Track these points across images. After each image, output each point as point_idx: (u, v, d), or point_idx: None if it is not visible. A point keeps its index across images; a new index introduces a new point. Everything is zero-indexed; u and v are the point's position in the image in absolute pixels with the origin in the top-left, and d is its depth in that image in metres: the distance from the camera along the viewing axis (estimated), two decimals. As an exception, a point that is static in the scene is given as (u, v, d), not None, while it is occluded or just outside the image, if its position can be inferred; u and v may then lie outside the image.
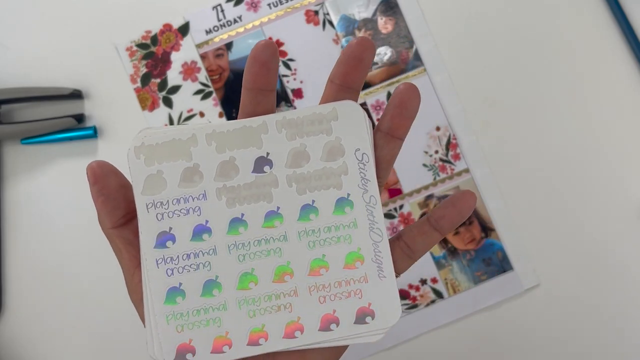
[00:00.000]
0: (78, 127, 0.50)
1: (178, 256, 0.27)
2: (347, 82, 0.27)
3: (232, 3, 0.51)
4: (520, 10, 0.51)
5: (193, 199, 0.27)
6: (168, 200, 0.27)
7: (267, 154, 0.27)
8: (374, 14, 0.51)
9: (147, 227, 0.27)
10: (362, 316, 0.27)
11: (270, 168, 0.27)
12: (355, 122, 0.26)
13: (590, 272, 0.50)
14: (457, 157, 0.50)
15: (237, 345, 0.27)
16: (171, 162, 0.27)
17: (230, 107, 0.51)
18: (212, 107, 0.50)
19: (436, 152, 0.50)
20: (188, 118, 0.50)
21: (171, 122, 0.50)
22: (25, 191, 0.50)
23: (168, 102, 0.50)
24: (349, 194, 0.27)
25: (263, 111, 0.28)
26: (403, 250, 0.29)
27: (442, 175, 0.50)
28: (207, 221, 0.27)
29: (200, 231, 0.27)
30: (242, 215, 0.27)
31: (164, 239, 0.27)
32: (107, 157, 0.50)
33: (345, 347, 0.28)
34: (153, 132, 0.27)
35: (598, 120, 0.51)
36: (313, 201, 0.27)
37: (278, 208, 0.27)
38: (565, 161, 0.50)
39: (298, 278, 0.27)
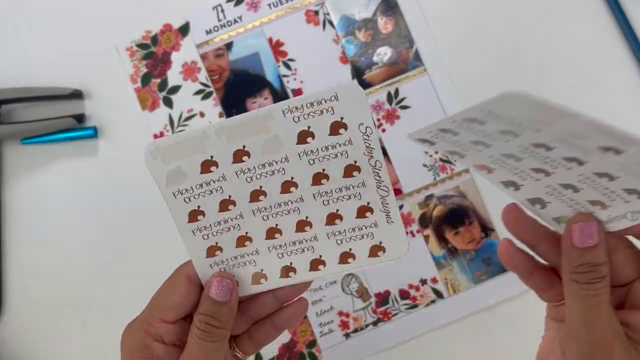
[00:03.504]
0: (78, 127, 0.50)
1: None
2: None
3: (232, 3, 0.51)
4: (520, 10, 0.51)
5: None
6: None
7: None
8: (374, 14, 0.51)
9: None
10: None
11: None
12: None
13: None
14: (457, 157, 0.50)
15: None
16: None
17: (231, 107, 0.51)
18: (212, 107, 0.50)
19: (436, 152, 0.50)
20: (188, 118, 0.50)
21: (171, 122, 0.50)
22: (25, 191, 0.50)
23: (168, 102, 0.51)
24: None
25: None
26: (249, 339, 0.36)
27: (442, 175, 0.50)
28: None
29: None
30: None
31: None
32: (107, 157, 0.50)
33: None
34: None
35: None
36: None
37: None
38: (565, 161, 0.50)
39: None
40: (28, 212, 0.50)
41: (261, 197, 0.31)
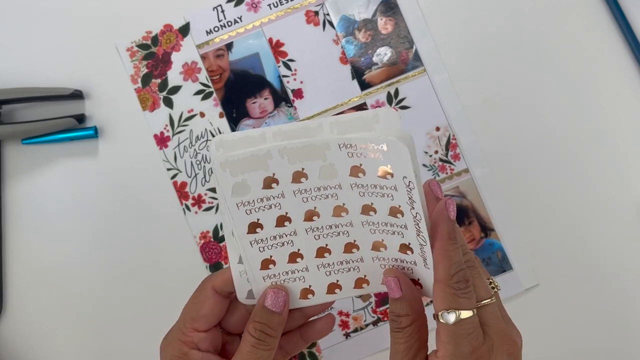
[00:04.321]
0: (79, 128, 0.50)
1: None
2: None
3: (232, 3, 0.51)
4: (520, 10, 0.51)
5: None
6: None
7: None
8: (374, 15, 0.51)
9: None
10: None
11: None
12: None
13: (589, 272, 0.50)
14: (456, 157, 0.50)
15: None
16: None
17: (231, 108, 0.51)
18: (212, 107, 0.51)
19: (436, 152, 0.50)
20: (188, 118, 0.51)
21: (172, 123, 0.50)
22: (25, 191, 0.50)
23: (168, 103, 0.51)
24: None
25: None
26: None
27: (442, 175, 0.50)
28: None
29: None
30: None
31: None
32: (107, 158, 0.51)
33: None
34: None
35: (598, 120, 0.51)
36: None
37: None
38: (565, 161, 0.51)
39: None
40: (28, 212, 0.50)
41: (314, 218, 0.33)
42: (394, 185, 0.30)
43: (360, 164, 0.31)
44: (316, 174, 0.32)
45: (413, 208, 0.30)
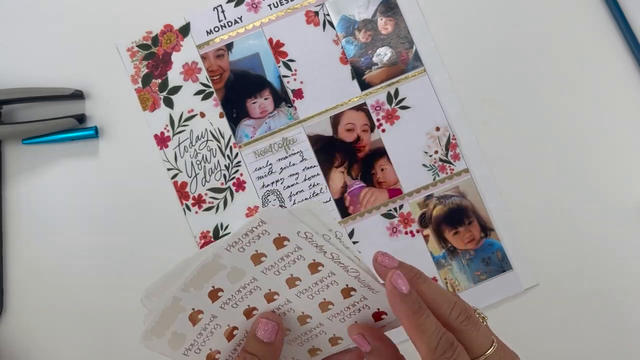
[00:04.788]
0: (79, 128, 0.50)
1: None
2: None
3: (232, 4, 0.51)
4: (520, 10, 0.51)
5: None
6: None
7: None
8: (374, 15, 0.51)
9: None
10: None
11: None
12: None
13: (589, 272, 0.50)
14: (456, 157, 0.50)
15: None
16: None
17: (231, 108, 0.51)
18: (212, 108, 0.51)
19: (436, 152, 0.50)
20: (189, 118, 0.51)
21: (172, 123, 0.51)
22: (26, 191, 0.50)
23: (169, 103, 0.51)
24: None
25: None
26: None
27: (442, 175, 0.50)
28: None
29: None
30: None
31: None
32: (108, 158, 0.51)
33: None
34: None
35: (597, 120, 0.51)
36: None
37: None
38: (565, 161, 0.51)
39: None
40: (28, 212, 0.50)
41: (254, 312, 0.33)
42: (295, 246, 0.31)
43: (257, 250, 0.31)
44: (228, 282, 0.32)
45: (326, 252, 0.30)
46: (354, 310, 0.33)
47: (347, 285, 0.32)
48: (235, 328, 0.34)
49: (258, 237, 0.30)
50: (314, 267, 0.32)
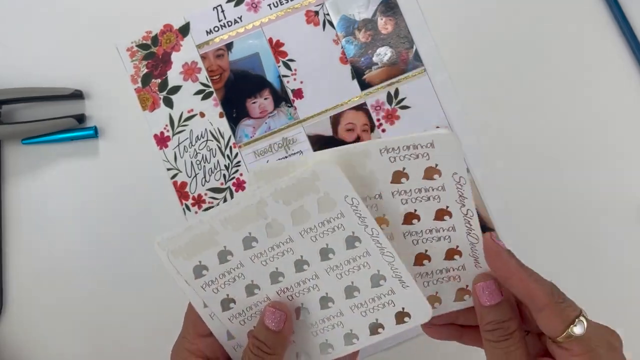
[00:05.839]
0: (79, 128, 0.50)
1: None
2: None
3: (232, 3, 0.51)
4: (520, 10, 0.51)
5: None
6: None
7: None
8: (374, 15, 0.51)
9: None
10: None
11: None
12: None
13: (590, 272, 0.50)
14: (457, 157, 0.50)
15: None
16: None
17: (231, 108, 0.51)
18: (212, 108, 0.51)
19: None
20: (188, 118, 0.51)
21: (172, 123, 0.50)
22: (26, 191, 0.50)
23: (168, 103, 0.51)
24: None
25: None
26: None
27: (442, 175, 0.50)
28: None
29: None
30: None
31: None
32: (107, 158, 0.51)
33: None
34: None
35: (598, 120, 0.51)
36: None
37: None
38: (565, 161, 0.51)
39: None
40: (28, 212, 0.50)
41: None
42: (441, 185, 0.29)
43: (404, 168, 0.29)
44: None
45: (464, 205, 0.29)
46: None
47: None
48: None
49: (415, 157, 0.29)
50: (441, 214, 0.30)
